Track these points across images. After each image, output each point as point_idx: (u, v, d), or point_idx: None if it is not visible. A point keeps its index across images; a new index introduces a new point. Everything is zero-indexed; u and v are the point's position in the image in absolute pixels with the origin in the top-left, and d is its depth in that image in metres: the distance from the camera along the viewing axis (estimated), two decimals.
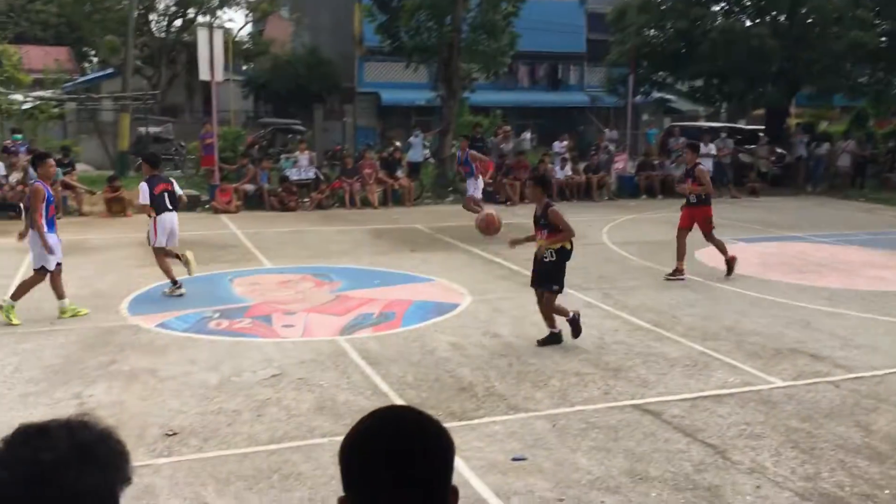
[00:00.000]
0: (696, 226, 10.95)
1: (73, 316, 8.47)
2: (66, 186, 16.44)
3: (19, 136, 19.27)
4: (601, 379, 6.79)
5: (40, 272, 8.44)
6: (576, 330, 7.66)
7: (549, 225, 7.56)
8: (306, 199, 18.04)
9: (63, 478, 1.19)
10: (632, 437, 5.55)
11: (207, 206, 17.26)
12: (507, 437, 5.54)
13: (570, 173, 20.27)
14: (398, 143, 21.89)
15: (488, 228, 10.61)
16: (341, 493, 1.44)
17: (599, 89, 31.10)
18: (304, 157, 18.88)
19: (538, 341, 7.68)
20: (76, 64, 36.34)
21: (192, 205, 17.26)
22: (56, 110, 22.62)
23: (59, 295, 8.54)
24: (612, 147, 22.79)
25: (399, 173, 19.32)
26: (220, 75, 17.62)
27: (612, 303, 9.45)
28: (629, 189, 20.93)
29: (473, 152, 15.65)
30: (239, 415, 5.91)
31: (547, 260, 7.59)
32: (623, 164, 22.03)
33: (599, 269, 11.37)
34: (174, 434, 5.45)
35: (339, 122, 29.71)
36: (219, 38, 17.33)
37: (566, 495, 4.69)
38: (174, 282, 9.54)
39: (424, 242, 13.71)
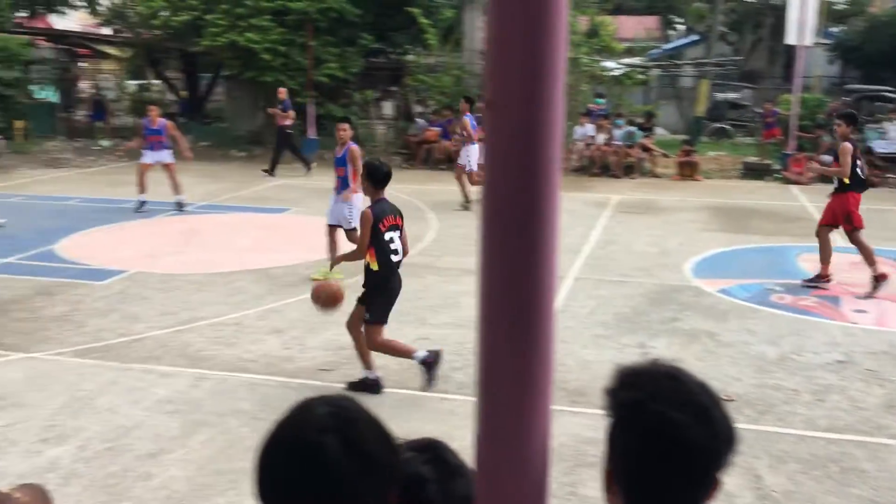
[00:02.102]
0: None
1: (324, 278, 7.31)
2: (645, 149, 17.51)
3: (601, 100, 21.05)
4: None
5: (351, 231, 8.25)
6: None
7: None
8: (891, 175, 16.20)
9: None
10: None
11: (779, 174, 16.69)
12: None
13: None
14: None
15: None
16: None
17: None
18: (893, 128, 16.93)
19: None
20: (663, 31, 38.00)
21: (759, 173, 16.92)
22: (641, 77, 24.05)
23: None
24: None
25: None
26: (809, 39, 16.71)
27: None
28: None
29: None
30: (797, 395, 5.69)
31: None
32: None
33: None
34: (731, 400, 5.49)
35: None
36: None
37: None
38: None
39: None
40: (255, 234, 11.27)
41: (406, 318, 7.33)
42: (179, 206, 12.49)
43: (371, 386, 5.72)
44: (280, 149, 16.39)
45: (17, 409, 5.34)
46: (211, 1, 19.28)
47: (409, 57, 21.49)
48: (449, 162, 18.07)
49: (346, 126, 8.88)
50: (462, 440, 1.62)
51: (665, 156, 17.92)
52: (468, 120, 13.15)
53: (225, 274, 8.83)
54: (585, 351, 6.58)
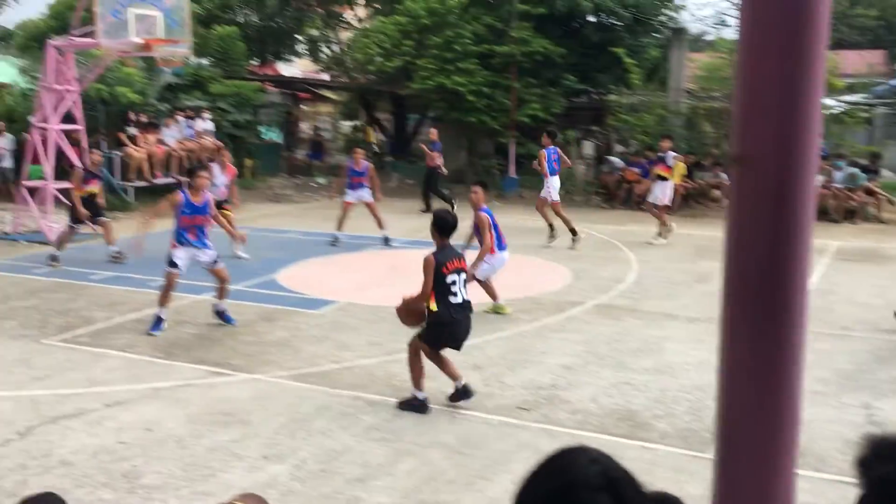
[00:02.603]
0: None
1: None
2: (869, 193, 16.26)
3: (820, 140, 19.78)
4: None
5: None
6: None
7: None
8: None
9: None
10: None
11: None
12: None
13: None
14: None
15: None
16: None
17: None
18: None
19: None
20: (889, 66, 35.25)
21: None
22: (864, 115, 22.39)
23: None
24: None
25: None
26: None
27: None
28: None
29: None
30: None
31: None
32: None
33: None
34: None
35: None
36: None
37: None
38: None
39: None
40: None
41: (605, 361, 7.23)
42: (386, 241, 13.11)
43: (418, 406, 6.11)
44: (429, 186, 17.09)
45: (243, 425, 5.80)
46: (421, 47, 20.24)
47: (612, 96, 21.38)
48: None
49: (479, 189, 8.83)
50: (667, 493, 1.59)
51: (891, 202, 16.52)
52: (546, 153, 13.29)
53: None
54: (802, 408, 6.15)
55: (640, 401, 6.27)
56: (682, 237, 13.51)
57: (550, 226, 13.18)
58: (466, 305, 6.24)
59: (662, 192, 13.42)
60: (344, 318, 8.76)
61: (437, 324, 6.12)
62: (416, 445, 5.48)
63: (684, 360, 7.26)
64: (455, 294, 6.13)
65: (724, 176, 18.05)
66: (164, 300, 8.18)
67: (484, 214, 8.67)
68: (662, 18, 21.53)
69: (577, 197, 19.00)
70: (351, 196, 13.20)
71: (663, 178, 13.48)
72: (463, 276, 6.23)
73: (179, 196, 8.21)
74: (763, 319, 1.21)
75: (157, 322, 8.13)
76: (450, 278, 6.09)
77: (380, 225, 13.11)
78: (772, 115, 1.18)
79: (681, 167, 17.25)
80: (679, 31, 20.93)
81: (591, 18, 20.54)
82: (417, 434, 5.68)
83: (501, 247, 8.82)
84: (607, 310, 9.11)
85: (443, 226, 6.29)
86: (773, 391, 1.26)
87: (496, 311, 8.80)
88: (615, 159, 19.51)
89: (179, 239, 8.22)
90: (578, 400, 6.29)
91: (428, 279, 6.06)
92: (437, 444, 5.51)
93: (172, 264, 8.17)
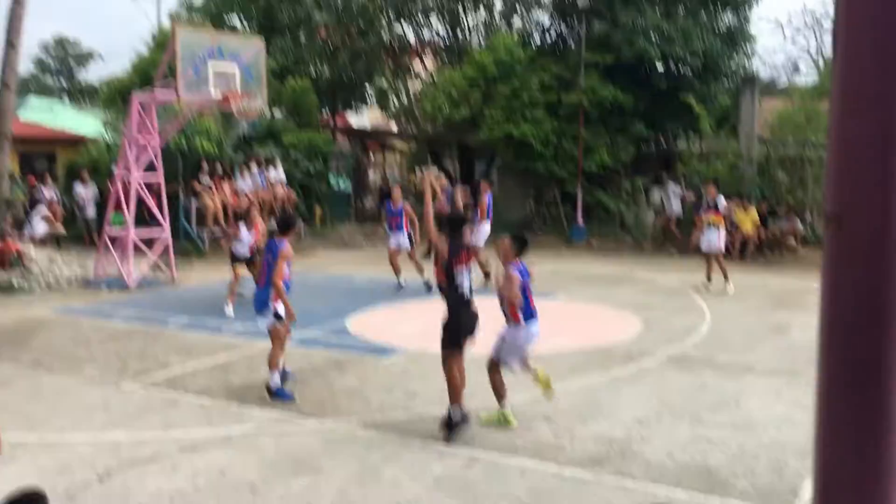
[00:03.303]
0: None
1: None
2: None
3: None
4: None
5: None
6: None
7: None
8: None
9: None
10: None
11: None
12: None
13: None
14: None
15: None
16: None
17: None
18: None
19: None
20: None
21: None
22: None
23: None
24: None
25: None
26: None
27: None
28: None
29: None
30: None
31: None
32: None
33: None
34: None
35: None
36: None
37: None
38: None
39: None
40: None
41: (680, 415, 7.06)
42: (427, 288, 12.86)
43: (454, 425, 6.33)
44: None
45: (314, 473, 5.82)
46: (489, 97, 20.49)
47: (682, 144, 21.22)
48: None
49: (507, 242, 6.86)
50: None
51: None
52: (487, 199, 13.89)
53: None
54: None
55: (717, 457, 6.08)
56: (757, 286, 13.20)
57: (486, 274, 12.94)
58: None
59: (718, 239, 13.27)
60: (413, 366, 8.77)
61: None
62: (486, 498, 5.41)
63: (764, 415, 7.03)
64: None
65: (798, 224, 17.65)
66: (277, 360, 7.59)
67: (514, 274, 6.68)
68: (732, 65, 21.37)
69: (646, 244, 18.79)
70: (392, 241, 13.42)
71: (717, 225, 13.32)
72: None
73: (290, 249, 7.75)
74: (861, 376, 1.18)
75: (281, 390, 7.53)
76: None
77: (419, 272, 13.20)
78: (866, 173, 1.16)
79: (753, 215, 16.95)
80: (750, 79, 20.73)
81: (660, 66, 20.51)
82: (488, 486, 5.61)
83: (530, 315, 6.76)
84: (681, 361, 8.91)
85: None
86: (872, 448, 1.22)
87: (500, 420, 6.83)
88: (674, 203, 19.18)
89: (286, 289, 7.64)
90: (653, 454, 6.14)
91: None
92: (508, 496, 5.43)
93: (278, 317, 7.67)
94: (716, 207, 13.42)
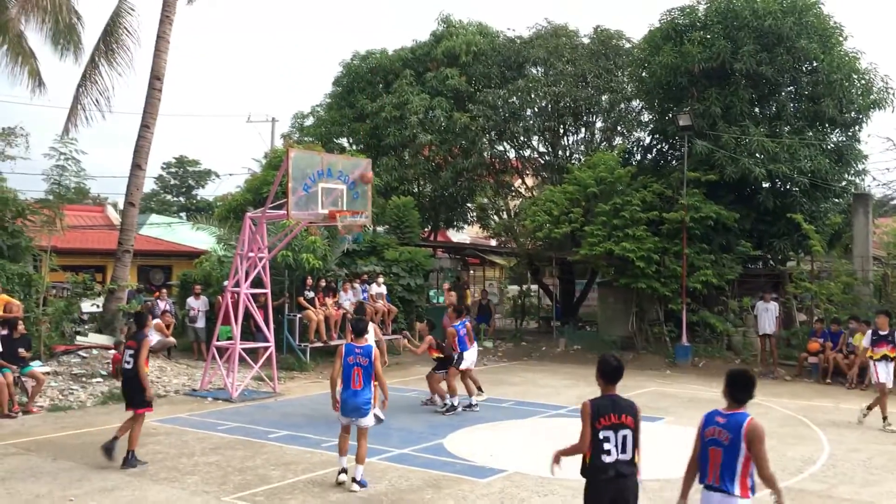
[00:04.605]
0: None
1: None
2: None
3: None
4: None
5: None
6: None
7: None
8: None
9: None
10: None
11: None
12: None
13: None
14: None
15: None
16: None
17: None
18: None
19: None
20: None
21: None
22: None
23: None
24: None
25: None
26: None
27: None
28: None
29: None
30: None
31: None
32: None
33: None
34: None
35: None
36: None
37: None
38: None
39: None
40: None
41: None
42: (470, 405, 13.03)
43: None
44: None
45: None
46: (589, 214, 20.51)
47: (790, 263, 20.55)
48: (836, 375, 16.44)
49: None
50: None
51: None
52: (455, 330, 13.06)
53: None
54: None
55: None
56: (876, 415, 12.30)
57: (479, 388, 13.64)
58: (620, 465, 5.49)
59: (888, 374, 12.28)
60: (512, 487, 8.49)
61: (586, 482, 5.60)
62: None
63: None
64: (608, 452, 5.50)
65: None
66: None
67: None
68: (843, 183, 20.77)
69: (756, 368, 17.96)
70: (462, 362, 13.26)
71: (890, 359, 12.34)
72: (624, 432, 5.53)
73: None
74: None
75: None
76: (602, 434, 5.52)
77: (473, 389, 13.31)
78: None
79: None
80: (863, 196, 20.08)
81: (765, 184, 20.13)
82: None
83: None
84: (797, 495, 8.30)
85: (605, 369, 5.75)
86: None
87: None
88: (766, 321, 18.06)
89: None
90: None
91: (585, 428, 5.55)
92: None
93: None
94: (890, 340, 12.38)
